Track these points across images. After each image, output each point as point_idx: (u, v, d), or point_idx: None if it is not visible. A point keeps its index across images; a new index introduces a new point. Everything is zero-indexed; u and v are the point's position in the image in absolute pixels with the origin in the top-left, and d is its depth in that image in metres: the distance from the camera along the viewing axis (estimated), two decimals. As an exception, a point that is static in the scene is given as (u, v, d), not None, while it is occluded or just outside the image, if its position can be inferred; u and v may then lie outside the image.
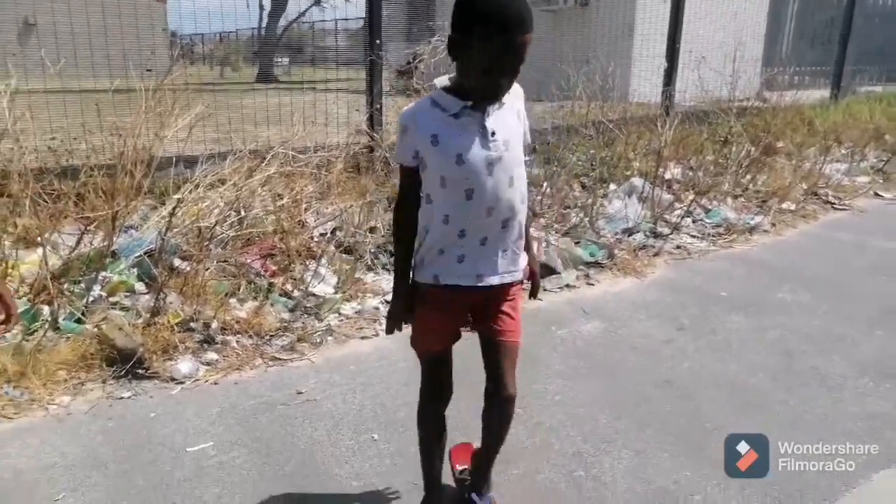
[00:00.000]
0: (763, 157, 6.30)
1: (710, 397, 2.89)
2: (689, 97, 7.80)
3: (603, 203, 5.29)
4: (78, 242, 3.47)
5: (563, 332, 3.53)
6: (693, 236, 5.16)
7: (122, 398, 2.73)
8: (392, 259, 4.11)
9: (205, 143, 5.05)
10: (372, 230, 4.24)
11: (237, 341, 3.18)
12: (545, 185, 5.13)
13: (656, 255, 4.74)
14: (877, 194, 6.79)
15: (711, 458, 2.40)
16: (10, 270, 3.26)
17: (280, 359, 3.11)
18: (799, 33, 14.91)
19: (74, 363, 2.85)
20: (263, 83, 11.29)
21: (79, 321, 3.09)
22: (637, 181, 5.65)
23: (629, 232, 4.96)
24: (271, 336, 3.26)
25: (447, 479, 2.21)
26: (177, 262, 3.55)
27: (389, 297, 3.63)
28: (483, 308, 1.87)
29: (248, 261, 3.77)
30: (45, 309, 3.11)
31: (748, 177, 6.13)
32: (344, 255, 4.03)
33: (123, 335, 2.92)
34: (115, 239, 3.44)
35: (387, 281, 3.91)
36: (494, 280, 1.80)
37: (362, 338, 3.36)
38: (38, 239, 3.40)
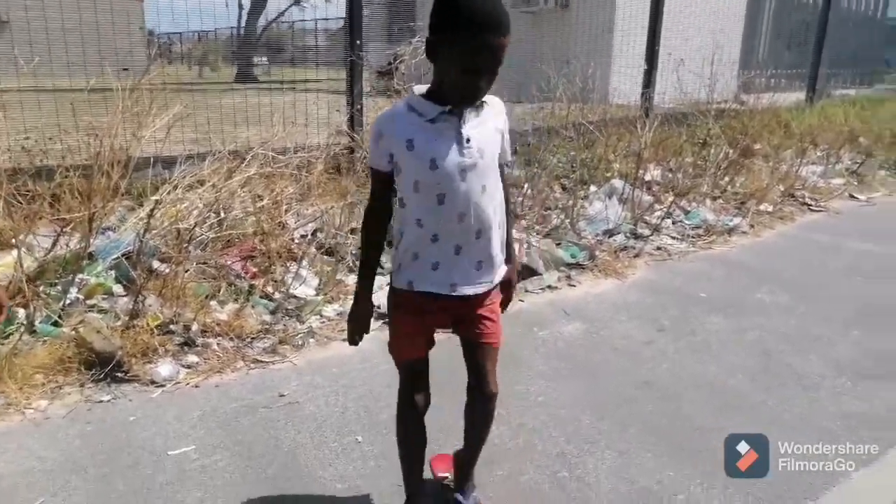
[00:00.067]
0: (741, 159, 6.39)
1: (690, 398, 2.92)
2: (669, 99, 7.87)
3: (583, 204, 5.32)
4: (54, 244, 3.41)
5: (545, 333, 3.54)
6: (673, 237, 5.20)
7: (101, 402, 2.69)
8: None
9: (183, 144, 5.00)
10: (353, 231, 4.22)
11: (218, 344, 3.15)
12: (526, 186, 5.14)
13: (637, 256, 4.78)
14: (851, 196, 6.91)
15: (693, 458, 2.43)
16: (-16, 272, 3.20)
17: (261, 361, 3.09)
18: (775, 35, 15.13)
19: (52, 367, 2.80)
20: (242, 83, 11.20)
21: (56, 324, 3.04)
22: (617, 183, 5.70)
23: (610, 233, 5.00)
24: (252, 338, 3.23)
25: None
26: (156, 264, 3.50)
27: (373, 299, 3.69)
28: (461, 314, 1.87)
29: (229, 262, 3.73)
30: (21, 312, 3.05)
31: (726, 178, 6.21)
32: (325, 257, 4.01)
33: (102, 338, 2.88)
34: (92, 241, 3.39)
35: (369, 282, 3.89)
36: (468, 290, 1.80)
37: (344, 340, 3.33)
38: (13, 241, 3.34)
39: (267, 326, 3.32)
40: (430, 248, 1.75)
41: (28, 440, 2.43)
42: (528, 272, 4.20)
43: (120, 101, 3.60)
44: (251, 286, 3.60)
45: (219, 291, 3.51)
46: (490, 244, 1.80)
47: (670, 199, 5.56)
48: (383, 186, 1.79)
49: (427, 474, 2.26)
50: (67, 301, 3.18)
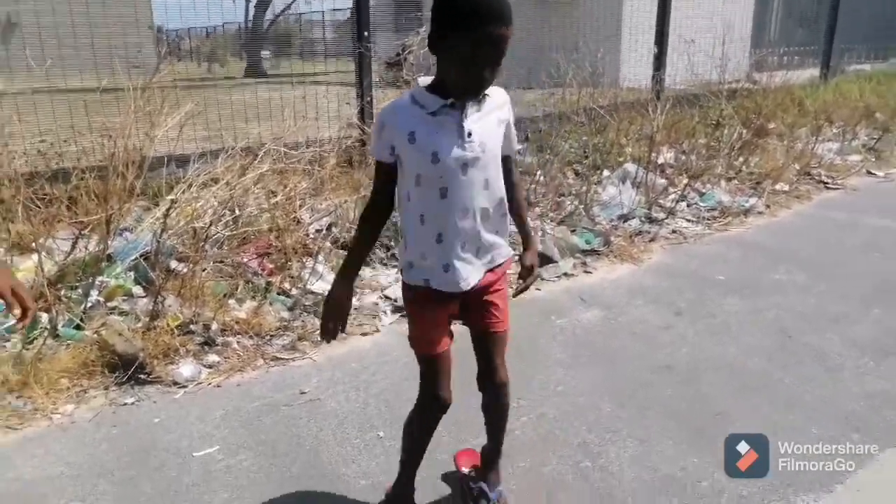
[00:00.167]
0: (755, 139, 6.32)
1: (710, 381, 2.91)
2: (679, 81, 7.79)
3: (597, 190, 5.29)
4: (73, 247, 3.44)
5: (563, 321, 3.54)
6: (688, 220, 5.17)
7: (125, 404, 2.72)
8: (386, 252, 4.14)
9: (196, 142, 5.02)
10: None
11: (238, 342, 3.17)
12: (539, 173, 5.12)
13: (652, 240, 4.75)
14: (869, 172, 6.82)
15: (714, 444, 2.41)
16: (5, 278, 3.22)
17: (281, 358, 3.11)
18: (787, 12, 14.91)
19: (76, 371, 2.83)
20: (252, 78, 11.21)
21: (78, 328, 3.08)
22: (630, 167, 5.65)
23: (624, 218, 4.97)
24: (272, 336, 3.25)
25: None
26: (173, 263, 3.53)
27: (388, 292, 3.70)
28: (470, 301, 1.88)
29: (245, 260, 3.75)
30: (44, 316, 3.09)
31: (741, 159, 6.14)
32: (340, 251, 4.01)
33: (123, 340, 2.90)
34: (110, 242, 3.41)
35: (385, 276, 3.91)
36: (476, 280, 1.81)
37: (362, 334, 3.36)
38: (33, 245, 3.38)
39: (285, 323, 3.34)
40: (437, 248, 1.74)
41: (55, 445, 2.47)
42: (544, 260, 4.19)
43: (132, 101, 3.61)
44: (268, 283, 3.62)
45: (236, 289, 3.53)
46: (493, 235, 1.82)
47: (684, 181, 5.52)
48: (386, 179, 1.78)
49: (450, 467, 2.29)
50: (88, 304, 3.21)
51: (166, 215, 3.50)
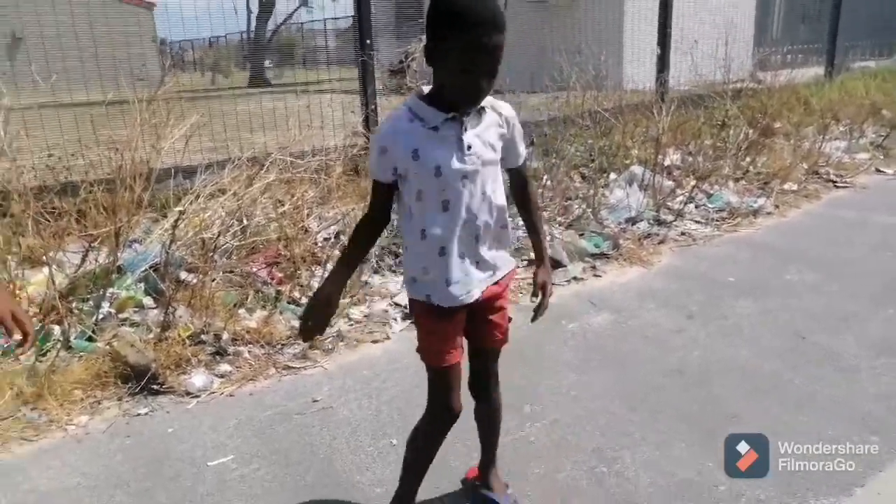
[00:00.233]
0: (761, 139, 6.30)
1: (722, 384, 2.89)
2: (683, 82, 7.79)
3: (604, 193, 5.28)
4: (83, 260, 3.45)
5: (573, 325, 3.53)
6: (697, 222, 5.16)
7: (138, 415, 2.73)
8: (395, 260, 4.13)
9: (202, 153, 5.03)
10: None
11: (249, 351, 3.17)
12: (545, 177, 5.11)
13: (661, 242, 4.74)
14: (878, 170, 6.79)
15: (731, 447, 2.40)
16: (17, 291, 3.24)
17: (293, 367, 3.10)
18: (789, 10, 14.89)
19: (89, 382, 2.84)
20: (256, 87, 11.26)
21: (90, 339, 3.09)
22: (637, 169, 5.65)
23: (632, 221, 4.96)
24: (282, 344, 3.25)
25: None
26: (183, 274, 3.54)
27: (398, 299, 3.70)
28: (475, 315, 1.88)
29: (254, 270, 3.76)
30: (56, 329, 3.10)
31: (748, 159, 6.13)
32: (349, 259, 4.01)
33: (135, 351, 2.91)
34: (119, 254, 3.42)
35: (394, 283, 3.91)
36: (478, 293, 1.82)
37: (373, 342, 3.36)
38: (44, 258, 3.39)
39: (296, 332, 3.34)
40: (438, 262, 1.74)
41: (71, 456, 2.47)
42: (553, 264, 4.18)
43: (138, 114, 3.63)
44: (278, 292, 3.63)
45: (246, 299, 3.54)
46: (495, 247, 1.83)
47: (692, 183, 5.50)
48: (384, 198, 1.78)
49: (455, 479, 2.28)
50: (100, 316, 3.22)
51: (175, 226, 3.51)
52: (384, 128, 1.73)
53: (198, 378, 2.92)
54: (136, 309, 3.38)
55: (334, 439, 2.56)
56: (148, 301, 3.44)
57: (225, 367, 3.04)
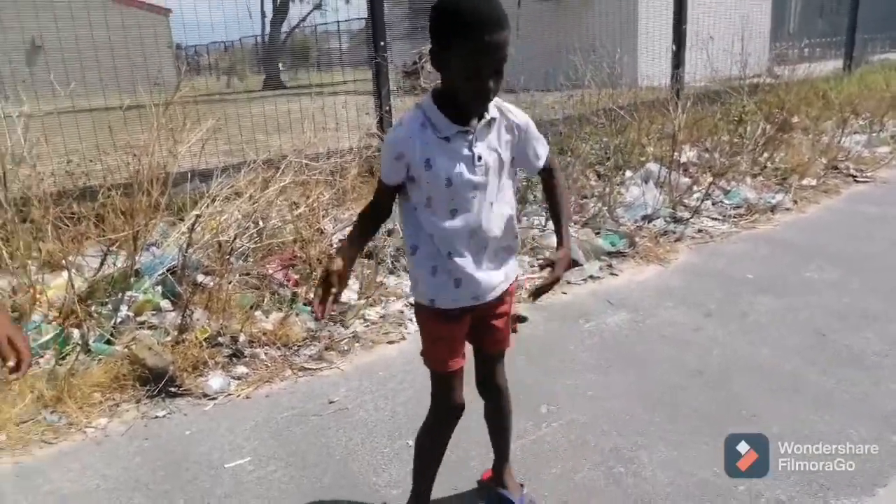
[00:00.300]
0: (779, 134, 6.23)
1: (742, 383, 2.86)
2: (699, 78, 7.72)
3: (620, 191, 5.25)
4: (102, 264, 3.48)
5: (590, 324, 3.51)
6: (714, 219, 5.11)
7: (157, 417, 2.75)
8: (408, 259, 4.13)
9: (218, 156, 5.08)
10: (390, 233, 4.23)
11: (265, 353, 3.18)
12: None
13: (678, 240, 4.70)
14: (898, 164, 6.69)
15: (751, 447, 2.38)
16: (38, 296, 3.28)
17: (309, 369, 3.11)
18: (806, 3, 14.72)
19: (108, 385, 2.87)
20: (271, 90, 11.33)
21: (109, 342, 3.12)
22: (653, 166, 5.61)
23: (649, 218, 4.92)
24: (299, 346, 3.26)
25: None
26: (200, 277, 3.56)
27: (413, 300, 3.69)
28: (477, 321, 1.89)
29: (270, 272, 3.77)
30: (76, 332, 3.14)
31: (765, 155, 6.06)
32: (364, 260, 4.02)
33: (153, 354, 2.94)
34: (137, 258, 3.45)
35: (409, 284, 3.90)
36: (490, 296, 1.83)
37: (389, 342, 3.36)
38: (63, 262, 3.43)
39: (312, 333, 3.35)
40: (448, 263, 1.75)
41: (90, 459, 2.49)
42: (570, 263, 4.16)
43: (154, 119, 3.66)
44: (294, 294, 3.64)
45: (263, 301, 3.55)
46: (502, 253, 1.83)
47: (708, 179, 5.45)
48: (390, 196, 1.79)
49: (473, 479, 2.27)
50: (118, 319, 3.25)
51: (191, 230, 3.53)
52: (399, 132, 1.71)
53: (215, 380, 2.94)
54: (154, 312, 3.41)
55: (350, 440, 2.57)
56: (165, 304, 3.47)
57: (241, 369, 3.06)
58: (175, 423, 2.72)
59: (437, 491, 2.18)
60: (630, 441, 2.48)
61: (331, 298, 1.71)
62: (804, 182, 5.83)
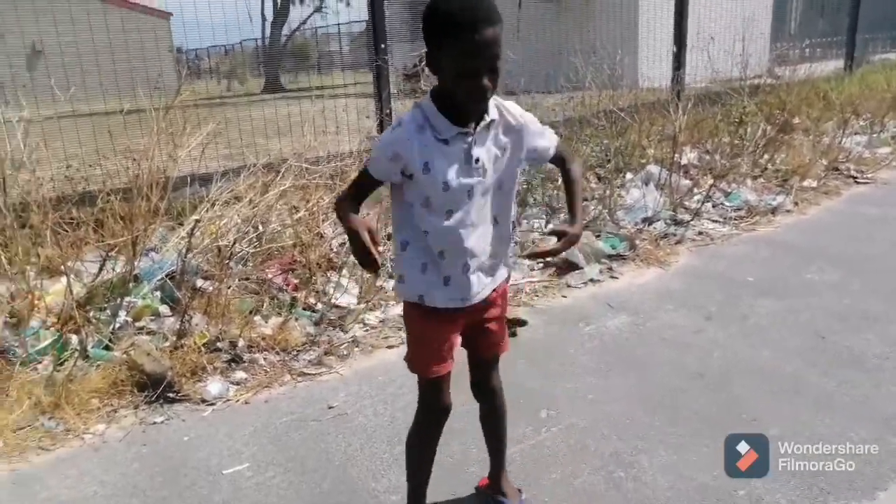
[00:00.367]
0: (780, 136, 6.21)
1: (743, 385, 2.85)
2: (700, 79, 7.70)
3: (620, 193, 5.24)
4: (100, 269, 3.48)
5: (591, 328, 3.50)
6: (714, 221, 5.09)
7: (155, 423, 2.74)
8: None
9: (217, 160, 5.06)
10: (389, 237, 4.22)
11: (264, 358, 3.18)
12: (560, 179, 5.07)
13: (678, 242, 4.69)
14: (899, 165, 6.67)
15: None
16: (36, 301, 3.28)
17: (308, 374, 3.11)
18: (807, 4, 14.70)
19: (106, 391, 2.86)
20: (271, 93, 11.34)
21: (107, 348, 3.11)
22: (653, 168, 5.59)
23: (649, 221, 4.91)
24: (298, 351, 3.25)
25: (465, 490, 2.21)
26: (199, 282, 3.56)
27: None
28: (470, 324, 1.88)
29: (270, 276, 3.77)
30: (74, 338, 3.13)
31: (766, 156, 6.05)
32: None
33: (152, 360, 2.93)
34: (136, 263, 3.45)
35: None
36: (478, 298, 1.81)
37: (388, 347, 3.35)
38: (62, 268, 3.43)
39: (311, 338, 3.34)
40: (438, 261, 1.75)
41: (88, 465, 2.49)
42: (569, 266, 4.16)
43: (154, 123, 3.66)
44: (293, 299, 3.63)
45: (262, 306, 3.55)
46: (496, 255, 1.82)
47: (709, 181, 5.43)
48: (369, 190, 1.76)
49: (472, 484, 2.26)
50: (117, 324, 3.25)
51: (191, 235, 3.53)
52: (398, 134, 1.68)
53: (213, 386, 2.93)
54: (153, 317, 3.41)
55: (350, 446, 2.56)
56: (164, 309, 3.47)
57: (240, 375, 3.05)
58: (173, 428, 2.71)
59: (436, 496, 2.18)
60: (630, 445, 2.47)
61: (367, 248, 1.66)
62: (805, 183, 5.82)
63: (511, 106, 1.75)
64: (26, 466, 2.49)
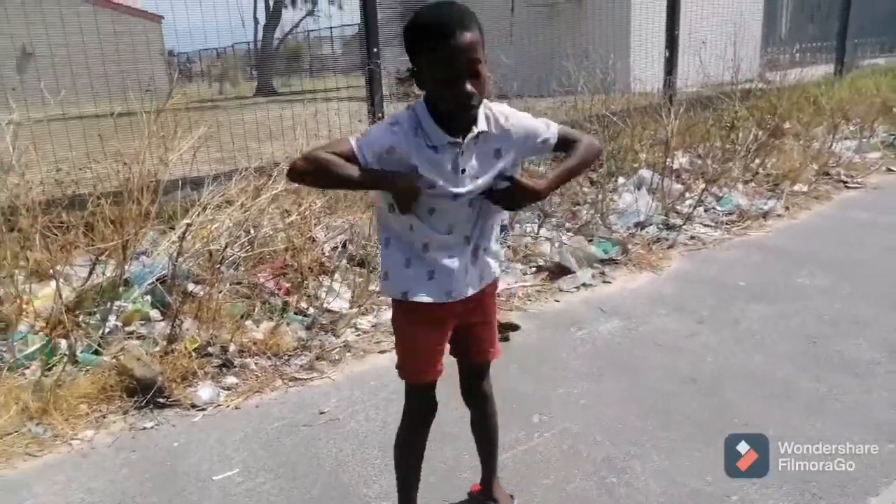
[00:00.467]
0: (771, 140, 6.24)
1: (735, 390, 2.85)
2: (691, 83, 7.73)
3: (613, 198, 5.25)
4: (90, 273, 3.46)
5: (583, 332, 3.49)
6: (706, 226, 5.11)
7: (144, 428, 2.72)
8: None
9: (209, 164, 5.04)
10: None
11: (255, 363, 3.16)
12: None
13: (671, 247, 4.70)
14: (889, 169, 6.72)
15: (744, 456, 2.36)
16: (25, 306, 3.25)
17: (300, 379, 3.09)
18: (798, 8, 14.79)
19: (95, 396, 2.83)
20: (263, 97, 11.31)
21: (96, 353, 3.08)
22: (645, 173, 5.61)
23: (641, 225, 4.92)
24: (289, 356, 3.24)
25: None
26: (190, 286, 3.53)
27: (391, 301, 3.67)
28: (460, 324, 1.87)
29: (261, 281, 3.75)
30: (63, 343, 3.10)
31: (757, 161, 6.08)
32: (356, 269, 4.00)
33: (142, 365, 2.90)
34: (126, 267, 3.42)
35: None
36: (465, 293, 1.80)
37: (380, 352, 3.33)
38: (51, 272, 3.40)
39: (303, 343, 3.33)
40: (422, 254, 1.74)
41: (76, 472, 2.46)
42: (562, 271, 4.16)
43: (145, 126, 3.63)
44: (285, 303, 3.61)
45: (253, 310, 3.53)
46: (482, 254, 1.81)
47: (701, 186, 5.45)
48: (342, 160, 1.61)
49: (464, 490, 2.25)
50: (107, 329, 3.22)
51: (182, 238, 3.51)
52: (397, 133, 1.64)
53: (204, 391, 2.91)
54: (143, 322, 3.38)
55: (341, 451, 2.54)
56: (155, 314, 3.44)
57: (231, 380, 3.03)
58: (163, 434, 2.69)
59: (428, 502, 2.17)
60: (623, 450, 2.47)
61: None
62: (796, 188, 5.85)
63: (501, 109, 1.74)
64: (13, 473, 2.46)
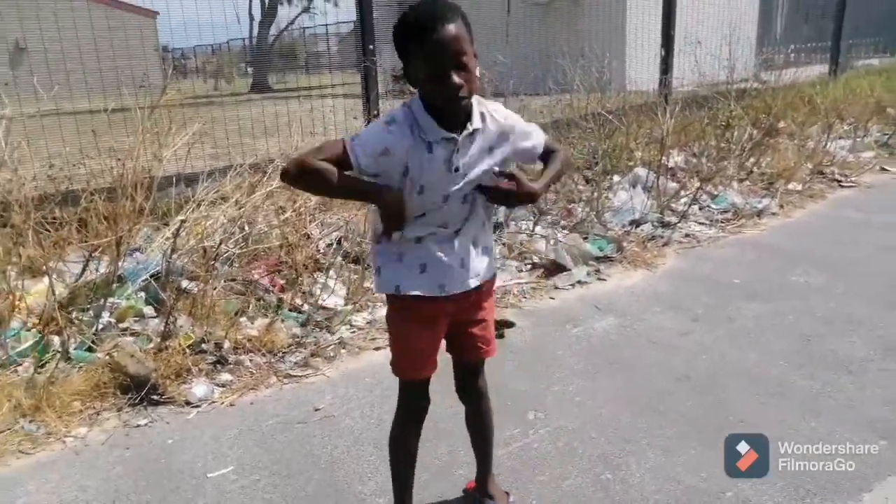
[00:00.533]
0: (766, 139, 6.26)
1: (730, 388, 2.85)
2: (687, 83, 7.74)
3: (608, 196, 5.25)
4: (83, 270, 3.44)
5: (578, 330, 3.49)
6: (701, 224, 5.12)
7: (138, 426, 2.70)
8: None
9: (204, 160, 5.02)
10: (377, 238, 4.20)
11: (250, 360, 3.15)
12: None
13: (665, 245, 4.70)
14: (883, 169, 6.74)
15: (738, 453, 2.37)
16: (17, 302, 3.23)
17: (294, 376, 3.08)
18: (793, 9, 14.83)
19: (88, 393, 2.82)
20: (258, 93, 11.28)
21: (90, 350, 3.07)
22: (641, 171, 5.62)
23: (636, 223, 4.92)
24: (284, 353, 3.23)
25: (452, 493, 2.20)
26: (184, 283, 3.52)
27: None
28: (454, 321, 1.86)
29: (256, 277, 3.74)
30: (56, 339, 3.08)
31: (752, 160, 6.09)
32: (351, 265, 4.00)
33: (135, 362, 2.89)
34: (120, 264, 3.41)
35: (396, 289, 3.87)
36: (458, 289, 1.79)
37: (375, 349, 3.33)
38: (44, 268, 3.38)
39: (298, 340, 3.32)
40: (415, 248, 1.74)
41: (69, 469, 2.45)
42: (557, 268, 4.16)
43: (140, 122, 3.62)
44: (280, 300, 3.60)
45: (248, 307, 3.51)
46: (476, 252, 1.81)
47: (696, 184, 5.46)
48: (333, 166, 1.62)
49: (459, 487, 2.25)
50: (100, 326, 3.20)
51: (176, 235, 3.49)
52: (394, 133, 1.63)
53: (198, 388, 2.89)
54: (137, 318, 3.36)
55: (336, 448, 2.53)
56: (148, 310, 3.43)
57: (226, 377, 3.02)
58: (157, 431, 2.68)
59: (423, 499, 2.17)
60: (618, 447, 2.47)
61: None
62: (790, 187, 5.87)
63: (496, 108, 1.74)
64: (5, 470, 2.45)
